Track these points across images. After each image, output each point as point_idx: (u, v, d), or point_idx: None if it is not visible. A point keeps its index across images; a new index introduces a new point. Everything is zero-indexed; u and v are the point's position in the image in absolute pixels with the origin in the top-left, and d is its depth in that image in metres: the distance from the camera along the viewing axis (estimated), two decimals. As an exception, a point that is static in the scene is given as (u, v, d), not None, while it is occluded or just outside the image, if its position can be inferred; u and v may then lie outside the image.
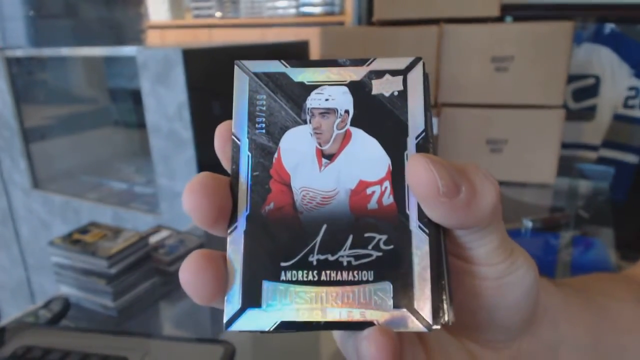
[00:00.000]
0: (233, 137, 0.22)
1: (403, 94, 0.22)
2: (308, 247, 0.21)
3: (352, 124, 0.22)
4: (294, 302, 0.20)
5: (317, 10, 2.44)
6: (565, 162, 1.32)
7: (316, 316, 0.20)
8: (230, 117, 0.23)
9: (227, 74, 0.23)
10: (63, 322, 0.76)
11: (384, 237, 0.21)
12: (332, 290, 0.20)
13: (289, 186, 0.22)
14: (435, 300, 0.20)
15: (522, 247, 0.24)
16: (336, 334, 0.23)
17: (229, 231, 0.21)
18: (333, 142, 0.22)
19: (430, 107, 0.23)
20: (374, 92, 0.22)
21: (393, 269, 0.20)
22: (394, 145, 0.22)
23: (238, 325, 0.20)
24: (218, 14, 2.77)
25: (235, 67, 0.23)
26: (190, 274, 0.20)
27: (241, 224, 0.21)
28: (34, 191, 1.69)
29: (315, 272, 0.21)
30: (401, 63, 0.23)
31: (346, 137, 0.22)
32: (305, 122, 0.22)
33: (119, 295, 0.78)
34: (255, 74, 0.23)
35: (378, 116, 0.22)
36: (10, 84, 1.60)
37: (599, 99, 1.53)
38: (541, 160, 1.22)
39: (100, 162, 1.90)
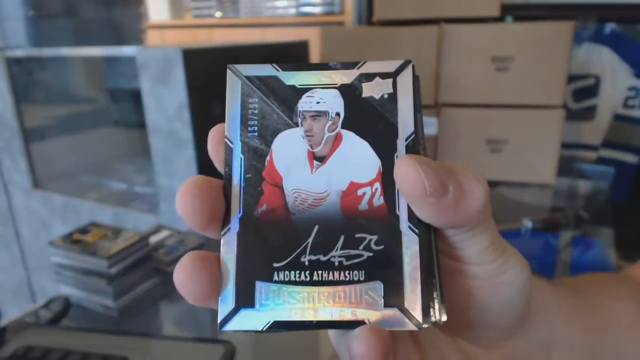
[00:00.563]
0: (226, 140, 0.23)
1: (393, 97, 0.23)
2: (300, 248, 0.21)
3: (343, 127, 0.23)
4: (287, 302, 0.21)
5: (317, 10, 2.44)
6: (565, 162, 1.32)
7: (308, 316, 0.21)
8: None
9: (225, 77, 0.23)
10: (63, 322, 0.76)
11: (375, 238, 0.21)
12: (324, 290, 0.21)
13: (281, 188, 0.22)
14: (425, 299, 0.20)
15: (515, 247, 0.24)
16: (331, 333, 0.23)
17: (222, 233, 0.22)
18: (324, 144, 0.22)
19: (421, 108, 0.23)
20: (365, 94, 0.23)
21: (384, 269, 0.21)
22: (384, 147, 0.22)
23: (232, 325, 0.21)
24: (218, 13, 2.77)
25: (228, 71, 0.23)
26: (185, 275, 0.20)
27: (234, 225, 0.22)
28: (34, 191, 1.69)
29: (307, 272, 0.21)
30: (391, 66, 0.23)
31: (337, 140, 0.22)
32: (296, 125, 0.23)
33: (119, 295, 0.78)
34: (248, 77, 0.23)
35: (368, 118, 0.23)
36: (10, 84, 1.60)
37: (599, 99, 1.53)
38: (541, 160, 1.22)
39: (100, 162, 1.90)
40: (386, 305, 0.20)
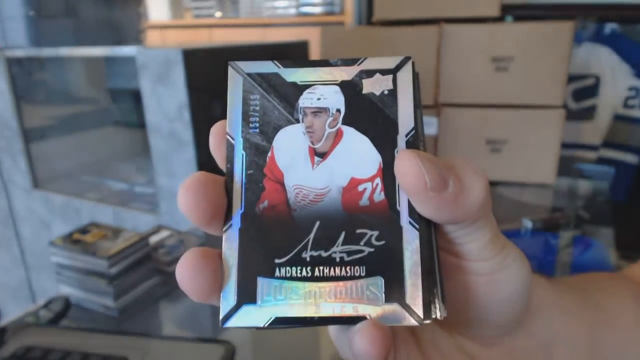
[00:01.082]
0: (227, 136, 0.23)
1: (393, 93, 0.23)
2: (302, 244, 0.21)
3: (343, 123, 0.23)
4: (288, 298, 0.21)
5: (317, 10, 2.44)
6: (565, 162, 1.32)
7: (310, 311, 0.21)
8: None
9: (227, 74, 0.24)
10: (63, 322, 0.76)
11: (376, 233, 0.21)
12: (326, 285, 0.21)
13: (282, 184, 0.22)
14: (426, 294, 0.20)
15: (514, 244, 0.24)
16: (331, 329, 0.23)
17: (224, 229, 0.22)
18: (325, 140, 0.22)
19: (421, 105, 0.23)
20: (365, 91, 0.23)
21: (385, 265, 0.21)
22: (384, 143, 0.22)
23: (234, 322, 0.21)
24: (218, 13, 2.77)
25: (229, 68, 0.24)
26: (187, 272, 0.20)
27: (236, 221, 0.22)
28: (35, 191, 1.69)
29: (308, 268, 0.21)
30: (391, 62, 0.23)
31: (338, 136, 0.23)
32: (298, 121, 0.23)
33: (120, 295, 0.78)
34: (249, 74, 0.23)
35: (369, 115, 0.23)
36: (10, 84, 1.60)
37: (598, 99, 1.53)
38: (541, 160, 1.22)
39: (100, 162, 1.90)
40: (387, 301, 0.20)
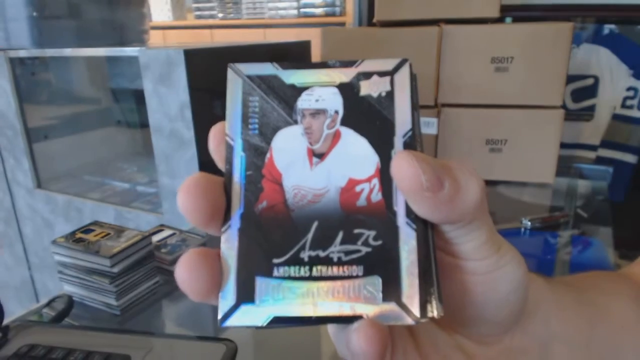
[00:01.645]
0: (227, 137, 0.23)
1: (390, 94, 0.23)
2: (300, 244, 0.22)
3: (341, 124, 0.23)
4: (287, 298, 0.21)
5: (318, 11, 2.44)
6: (564, 162, 1.32)
7: (308, 311, 0.21)
8: None
9: (227, 73, 0.24)
10: (66, 321, 0.76)
11: (373, 233, 0.21)
12: (323, 285, 0.21)
13: (281, 185, 0.22)
14: (422, 294, 0.21)
15: (512, 244, 0.24)
16: (330, 328, 0.23)
17: (223, 229, 0.22)
18: (323, 141, 0.23)
19: (418, 106, 0.23)
20: (363, 92, 0.23)
21: (382, 264, 0.21)
22: (382, 144, 0.22)
23: (232, 321, 0.21)
24: (220, 14, 2.77)
25: (229, 70, 0.24)
26: (186, 272, 0.21)
27: (235, 222, 0.22)
28: (37, 191, 1.70)
29: (306, 267, 0.21)
30: (388, 64, 0.23)
31: (336, 137, 0.23)
32: (296, 123, 0.23)
33: (122, 294, 0.78)
34: (248, 76, 0.24)
35: (366, 116, 0.23)
36: (13, 84, 1.61)
37: (597, 99, 1.53)
38: (540, 160, 1.22)
39: (103, 162, 1.91)
40: (384, 300, 0.21)
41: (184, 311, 0.82)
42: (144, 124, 1.37)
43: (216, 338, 0.65)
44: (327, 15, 2.43)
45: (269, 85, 0.24)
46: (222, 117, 0.24)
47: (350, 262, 0.21)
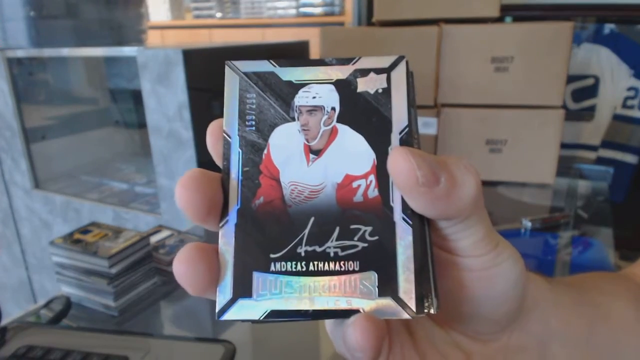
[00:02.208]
0: (224, 134, 0.23)
1: (387, 91, 0.23)
2: (297, 239, 0.22)
3: (338, 121, 0.23)
4: (283, 292, 0.21)
5: (317, 10, 2.44)
6: (565, 162, 1.32)
7: (304, 305, 0.21)
8: None
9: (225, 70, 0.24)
10: (64, 322, 0.76)
11: (369, 229, 0.22)
12: (320, 280, 0.21)
13: (278, 181, 0.22)
14: (419, 289, 0.21)
15: (509, 243, 0.24)
16: (327, 324, 0.24)
17: (220, 225, 0.22)
18: (320, 138, 0.23)
19: (415, 103, 0.23)
20: (359, 89, 0.23)
21: (378, 259, 0.21)
22: (378, 140, 0.23)
23: (230, 315, 0.21)
24: (218, 14, 2.77)
25: (226, 67, 0.24)
26: (184, 266, 0.21)
27: (232, 217, 0.22)
28: (35, 191, 1.69)
29: (303, 262, 0.21)
30: (385, 62, 0.24)
31: (333, 133, 0.23)
32: (293, 119, 0.23)
33: (120, 295, 0.78)
34: (245, 73, 0.24)
35: (363, 113, 0.23)
36: (11, 85, 1.60)
37: (598, 99, 1.54)
38: (541, 161, 1.22)
39: (100, 162, 1.91)
40: (380, 295, 0.21)
41: (182, 312, 0.82)
42: (142, 124, 1.36)
43: (214, 339, 0.65)
44: (326, 14, 2.43)
45: (266, 82, 0.24)
46: (220, 117, 0.24)
47: (346, 258, 0.21)
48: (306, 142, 0.23)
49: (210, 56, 1.32)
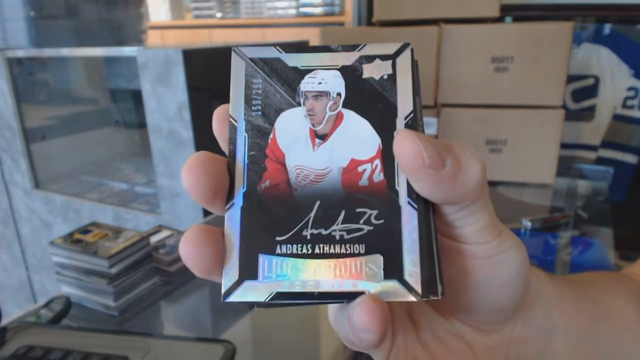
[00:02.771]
0: (230, 118, 0.23)
1: (392, 77, 0.23)
2: (302, 222, 0.22)
3: (344, 106, 0.23)
4: (289, 274, 0.21)
5: (317, 10, 2.44)
6: (565, 162, 1.32)
7: (310, 287, 0.21)
8: None
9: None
10: (64, 322, 0.76)
11: (375, 212, 0.22)
12: (325, 262, 0.21)
13: (283, 165, 0.23)
14: (424, 272, 0.21)
15: (511, 231, 0.24)
16: (331, 312, 0.24)
17: (226, 208, 0.22)
18: (326, 123, 0.23)
19: (420, 92, 0.23)
20: (365, 75, 0.23)
21: (383, 242, 0.21)
22: (384, 125, 0.23)
23: (235, 297, 0.21)
24: (218, 14, 2.77)
25: (233, 53, 0.24)
26: (190, 247, 0.21)
27: (238, 200, 0.22)
28: (35, 191, 1.69)
29: (309, 245, 0.21)
30: (391, 48, 0.24)
31: (338, 118, 0.23)
32: (299, 105, 0.23)
33: (120, 295, 0.78)
34: (252, 59, 0.24)
35: (369, 98, 0.23)
36: (11, 85, 1.60)
37: (598, 99, 1.53)
38: (541, 161, 1.22)
39: (101, 162, 1.91)
40: (386, 278, 0.21)
41: (183, 312, 0.82)
42: (142, 124, 1.37)
43: (214, 339, 0.65)
44: (326, 14, 2.43)
45: (272, 67, 0.24)
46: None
47: (352, 241, 0.21)
48: (312, 127, 0.23)
49: (210, 56, 1.32)
